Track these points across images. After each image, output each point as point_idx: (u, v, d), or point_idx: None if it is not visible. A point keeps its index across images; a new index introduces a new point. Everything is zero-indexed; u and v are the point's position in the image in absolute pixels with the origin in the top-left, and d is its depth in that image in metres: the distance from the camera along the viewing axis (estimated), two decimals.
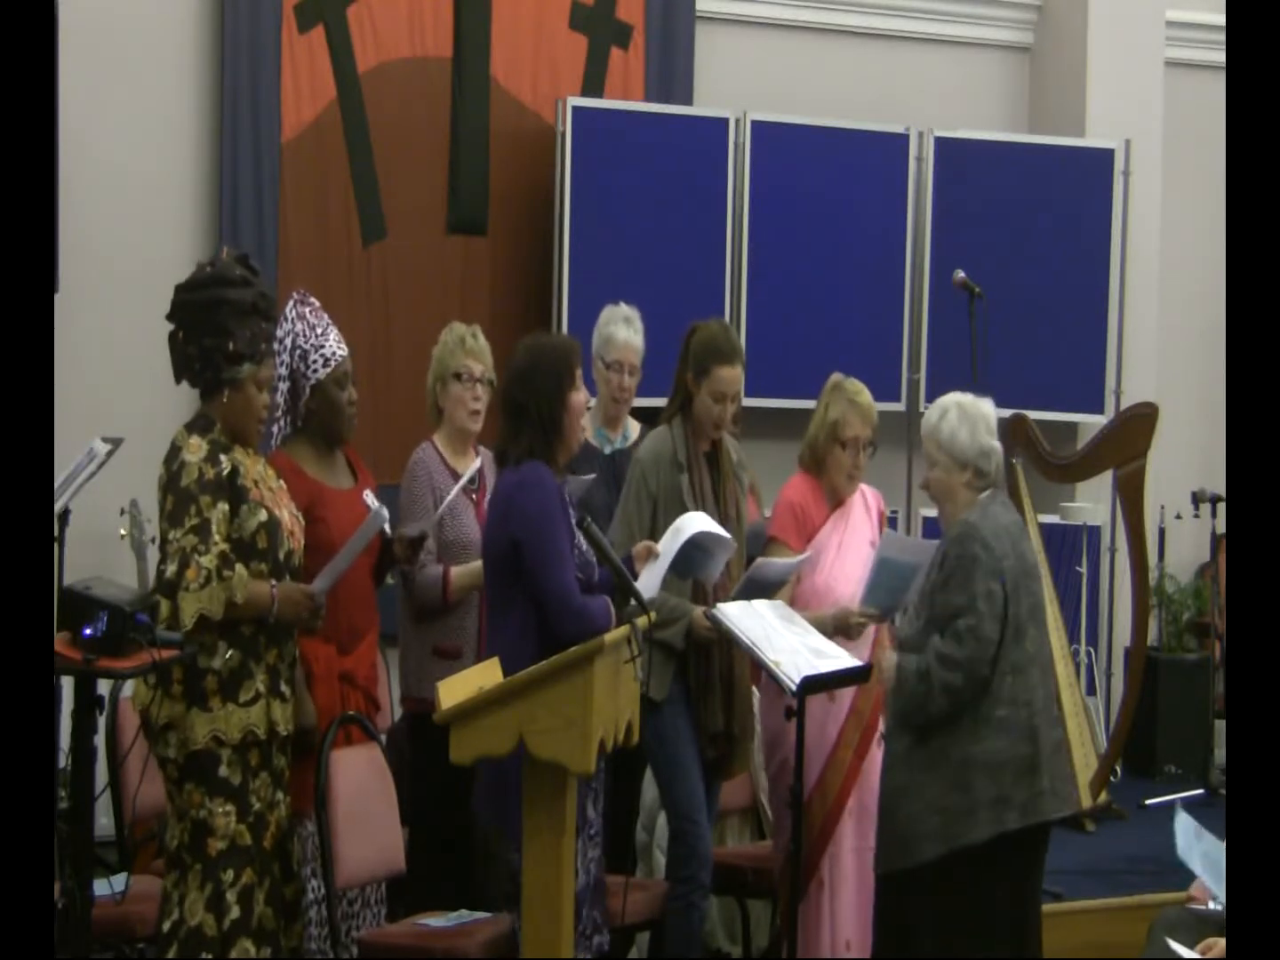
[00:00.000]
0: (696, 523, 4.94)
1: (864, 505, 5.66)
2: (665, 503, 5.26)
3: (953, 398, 5.05)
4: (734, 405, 5.41)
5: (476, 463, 5.59)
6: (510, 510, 4.73)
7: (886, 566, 5.17)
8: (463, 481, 5.49)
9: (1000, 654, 4.82)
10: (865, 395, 5.56)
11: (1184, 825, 4.53)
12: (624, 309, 6.12)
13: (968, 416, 4.97)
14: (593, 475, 5.47)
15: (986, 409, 5.03)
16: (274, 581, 4.66)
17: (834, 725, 5.48)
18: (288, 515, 4.77)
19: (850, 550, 5.56)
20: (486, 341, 5.69)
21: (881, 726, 5.27)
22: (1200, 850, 4.52)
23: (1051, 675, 5.03)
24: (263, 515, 4.66)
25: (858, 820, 5.39)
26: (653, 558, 4.87)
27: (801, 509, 5.55)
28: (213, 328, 4.65)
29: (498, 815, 4.68)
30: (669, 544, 4.88)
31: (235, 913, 4.60)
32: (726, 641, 5.23)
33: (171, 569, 4.53)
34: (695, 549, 4.92)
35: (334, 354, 5.08)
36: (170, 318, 4.73)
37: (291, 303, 5.12)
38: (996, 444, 4.99)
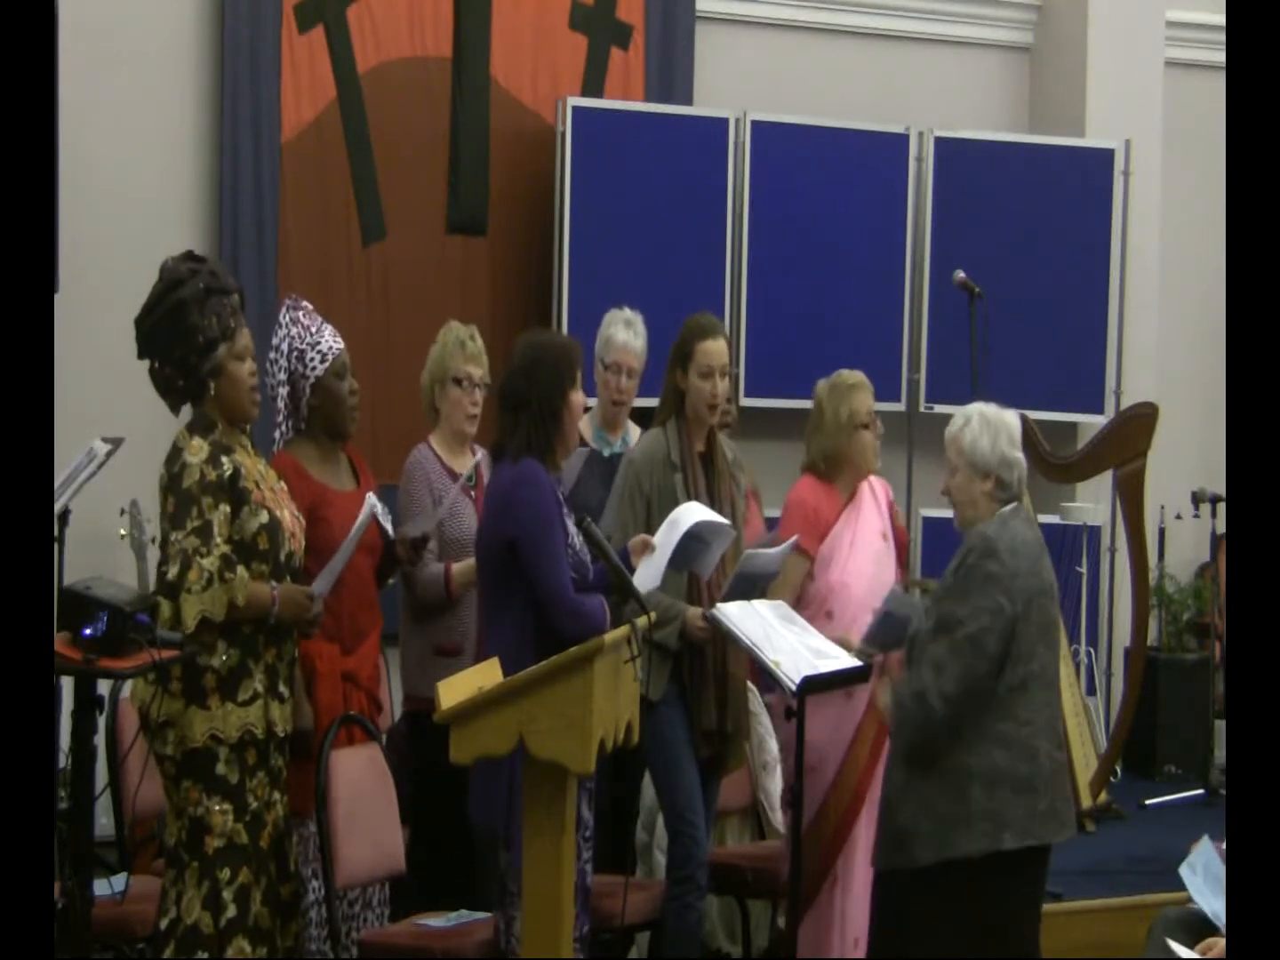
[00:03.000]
0: (693, 514, 4.91)
1: (873, 497, 5.68)
2: (659, 503, 5.25)
3: (976, 406, 4.99)
4: (724, 382, 5.39)
5: (474, 459, 5.60)
6: (506, 509, 4.72)
7: (889, 619, 5.08)
8: (461, 480, 5.50)
9: (1004, 669, 4.72)
10: (857, 374, 5.66)
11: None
12: (626, 312, 6.12)
13: (990, 425, 4.90)
14: (584, 451, 5.46)
15: (1010, 420, 4.95)
16: (274, 583, 4.66)
17: (850, 723, 5.48)
18: (288, 516, 4.77)
19: (862, 545, 5.59)
20: (483, 340, 5.70)
21: None
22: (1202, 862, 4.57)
23: (1058, 696, 4.94)
24: (264, 517, 4.66)
25: (871, 818, 5.35)
26: (649, 551, 4.84)
27: (814, 509, 5.56)
28: (179, 335, 4.63)
29: (488, 816, 4.67)
30: (666, 537, 4.84)
31: (232, 911, 4.60)
32: (720, 639, 5.23)
33: (173, 571, 4.53)
34: (693, 540, 4.88)
35: (330, 348, 5.09)
36: (142, 355, 4.71)
37: (285, 309, 5.14)
38: (1019, 455, 4.92)
